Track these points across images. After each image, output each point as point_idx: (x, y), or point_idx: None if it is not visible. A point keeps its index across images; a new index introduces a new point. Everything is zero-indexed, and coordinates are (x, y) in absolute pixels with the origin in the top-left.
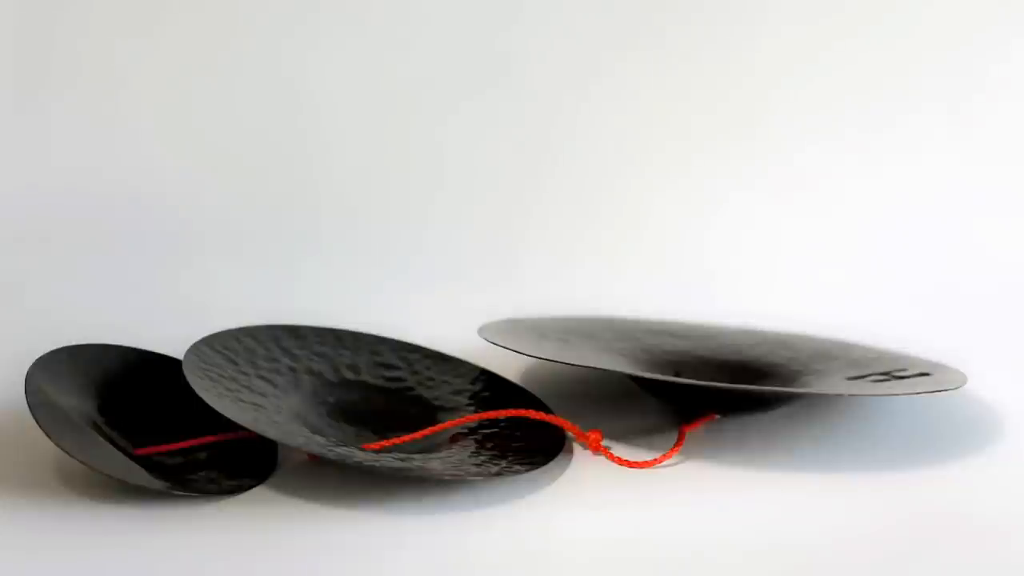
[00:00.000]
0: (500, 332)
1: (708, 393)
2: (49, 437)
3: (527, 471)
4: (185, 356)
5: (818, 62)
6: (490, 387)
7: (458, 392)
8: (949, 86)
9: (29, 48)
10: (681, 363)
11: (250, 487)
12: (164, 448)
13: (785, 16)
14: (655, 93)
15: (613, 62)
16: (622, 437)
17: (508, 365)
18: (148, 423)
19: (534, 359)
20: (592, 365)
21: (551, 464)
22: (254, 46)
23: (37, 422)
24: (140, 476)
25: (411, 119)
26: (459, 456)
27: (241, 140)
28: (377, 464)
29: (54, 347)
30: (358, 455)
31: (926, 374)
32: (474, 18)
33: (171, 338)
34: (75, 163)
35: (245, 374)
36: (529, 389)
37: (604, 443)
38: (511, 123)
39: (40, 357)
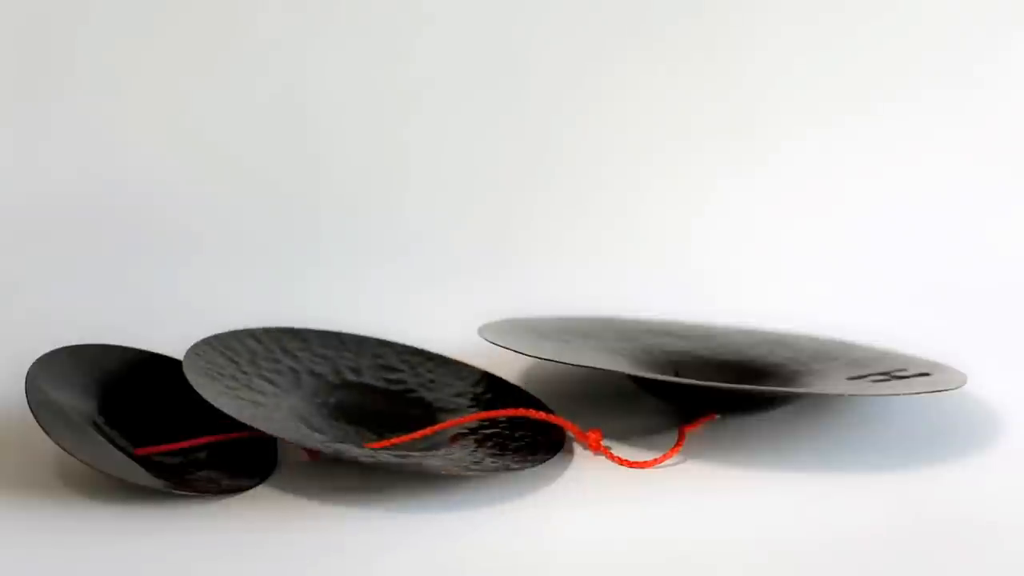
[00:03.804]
0: (500, 332)
1: (708, 393)
2: (49, 436)
3: (525, 468)
4: (186, 354)
5: (818, 61)
6: (492, 390)
7: (460, 394)
8: (949, 85)
9: (29, 48)
10: (681, 363)
11: (250, 487)
12: (164, 448)
13: (785, 15)
14: (655, 92)
15: (613, 61)
16: (622, 437)
17: (508, 365)
18: (148, 423)
19: (534, 359)
20: (592, 365)
21: (551, 464)
22: (254, 46)
23: (38, 421)
24: (140, 476)
25: (411, 119)
26: (459, 453)
27: (241, 140)
28: (374, 459)
29: (54, 347)
30: (356, 451)
31: (926, 374)
32: (474, 18)
33: (171, 338)
34: (75, 163)
35: (245, 373)
36: (529, 389)
37: (604, 443)
38: (511, 123)
39: (40, 357)
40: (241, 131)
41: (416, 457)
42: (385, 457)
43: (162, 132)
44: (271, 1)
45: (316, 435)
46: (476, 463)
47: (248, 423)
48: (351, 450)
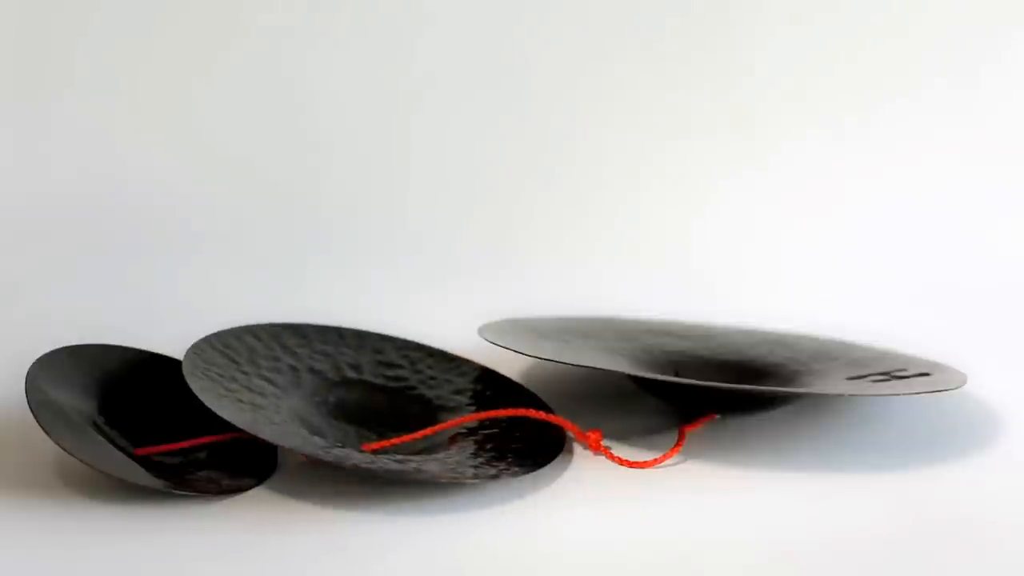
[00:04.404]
0: (500, 332)
1: (708, 393)
2: (49, 436)
3: (524, 473)
4: (186, 355)
5: (819, 60)
6: (492, 387)
7: (460, 391)
8: (949, 85)
9: (29, 48)
10: (681, 363)
11: (250, 487)
12: (164, 448)
13: (785, 14)
14: (655, 92)
15: (613, 61)
16: (622, 437)
17: (508, 365)
18: (148, 423)
19: (534, 359)
20: (592, 365)
21: (551, 464)
22: (254, 45)
23: (38, 421)
24: (140, 476)
25: (411, 119)
26: (458, 457)
27: (241, 140)
28: (373, 466)
29: (54, 347)
30: (355, 457)
31: (926, 374)
32: (474, 18)
33: (171, 338)
34: (75, 163)
35: (245, 373)
36: (529, 389)
37: (604, 443)
38: (511, 123)
39: (40, 357)
40: (241, 130)
41: (415, 462)
42: (383, 463)
43: (162, 132)
44: (272, 1)
45: (316, 438)
46: (475, 468)
47: (248, 430)
48: (351, 456)
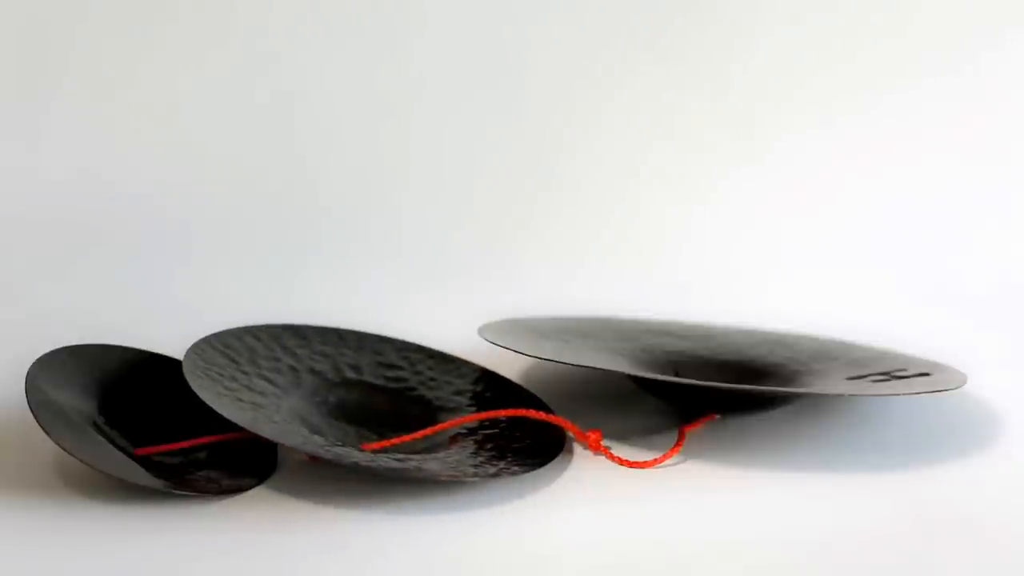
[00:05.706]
0: (500, 332)
1: (708, 393)
2: (49, 436)
3: (524, 472)
4: (186, 355)
5: (817, 60)
6: (492, 388)
7: (460, 392)
8: (949, 85)
9: (28, 49)
10: (681, 363)
11: (250, 487)
12: (164, 448)
13: (782, 14)
14: (654, 92)
15: (612, 61)
16: (622, 437)
17: (508, 365)
18: (148, 423)
19: (534, 359)
20: (592, 365)
21: (551, 464)
22: (252, 46)
23: (38, 421)
24: (140, 476)
25: (411, 119)
26: (458, 457)
27: (241, 140)
28: (373, 464)
29: (54, 347)
30: (355, 455)
31: (926, 374)
32: (473, 18)
33: (171, 338)
34: (74, 163)
35: (245, 373)
36: (529, 389)
37: (604, 443)
38: (511, 123)
39: (40, 357)
40: (240, 131)
41: (415, 460)
42: (384, 461)
43: (161, 132)
44: (269, 2)
45: (316, 437)
46: (475, 467)
47: (249, 428)
48: (351, 454)
